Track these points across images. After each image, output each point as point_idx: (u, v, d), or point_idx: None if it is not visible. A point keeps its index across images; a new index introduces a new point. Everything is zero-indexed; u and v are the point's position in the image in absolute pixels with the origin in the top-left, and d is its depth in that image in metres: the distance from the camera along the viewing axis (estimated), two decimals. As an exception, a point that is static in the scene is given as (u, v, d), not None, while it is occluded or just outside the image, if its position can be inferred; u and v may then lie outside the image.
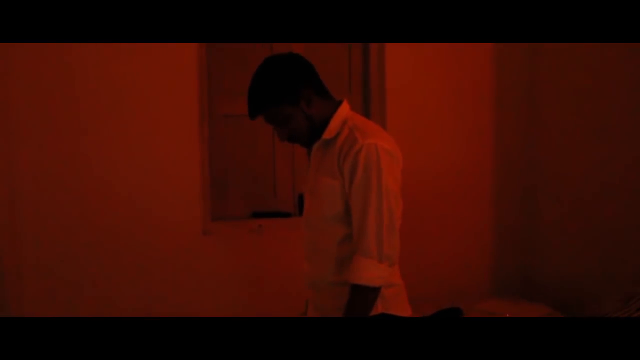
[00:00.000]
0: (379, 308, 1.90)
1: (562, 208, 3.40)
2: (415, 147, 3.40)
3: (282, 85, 1.90)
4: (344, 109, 1.97)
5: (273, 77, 1.91)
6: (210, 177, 3.22)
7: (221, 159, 3.30)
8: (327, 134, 1.94)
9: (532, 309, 3.18)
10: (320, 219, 1.95)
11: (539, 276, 3.57)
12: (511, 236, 3.67)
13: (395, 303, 1.96)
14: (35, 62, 2.88)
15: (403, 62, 3.42)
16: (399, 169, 1.92)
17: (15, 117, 2.86)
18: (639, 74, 2.92)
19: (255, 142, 3.37)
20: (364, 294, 1.85)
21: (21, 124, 2.87)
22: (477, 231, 3.63)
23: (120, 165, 3.02)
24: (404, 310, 1.99)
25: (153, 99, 3.05)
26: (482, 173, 3.61)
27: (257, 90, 1.92)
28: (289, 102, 1.91)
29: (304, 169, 3.37)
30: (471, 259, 3.63)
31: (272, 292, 3.25)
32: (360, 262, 1.84)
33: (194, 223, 3.14)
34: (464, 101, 3.55)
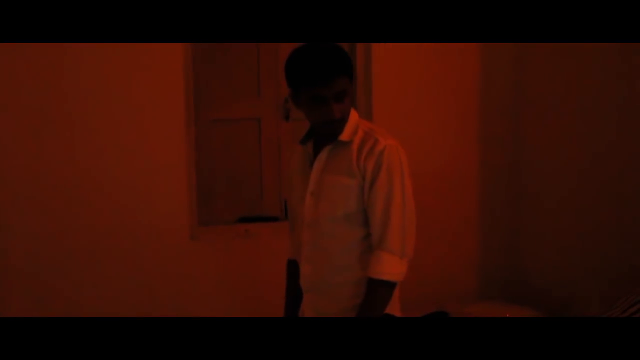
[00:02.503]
0: None
1: (549, 210, 3.41)
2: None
3: (349, 59, 1.92)
4: (355, 114, 2.00)
5: (341, 50, 1.91)
6: (197, 182, 3.20)
7: (208, 164, 3.28)
8: (344, 137, 1.95)
9: (519, 312, 3.20)
10: (328, 219, 1.95)
11: (525, 279, 3.58)
12: (497, 239, 3.67)
13: (395, 304, 1.99)
14: (17, 64, 2.83)
15: (390, 62, 3.41)
16: None
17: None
18: (627, 74, 2.94)
19: (241, 147, 3.37)
20: (384, 289, 1.89)
21: (6, 128, 2.83)
22: (463, 234, 3.62)
23: (106, 171, 2.98)
24: (399, 311, 2.01)
25: (139, 104, 3.02)
26: (468, 174, 3.59)
27: (336, 54, 1.88)
28: (351, 78, 1.91)
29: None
30: (457, 262, 3.62)
31: (259, 297, 3.23)
32: (383, 257, 1.89)
33: (181, 228, 3.11)
34: (450, 101, 3.54)
